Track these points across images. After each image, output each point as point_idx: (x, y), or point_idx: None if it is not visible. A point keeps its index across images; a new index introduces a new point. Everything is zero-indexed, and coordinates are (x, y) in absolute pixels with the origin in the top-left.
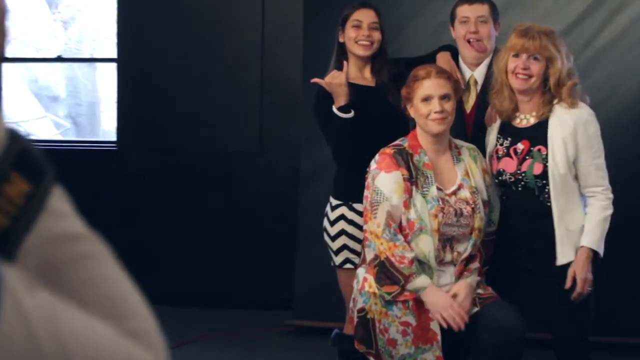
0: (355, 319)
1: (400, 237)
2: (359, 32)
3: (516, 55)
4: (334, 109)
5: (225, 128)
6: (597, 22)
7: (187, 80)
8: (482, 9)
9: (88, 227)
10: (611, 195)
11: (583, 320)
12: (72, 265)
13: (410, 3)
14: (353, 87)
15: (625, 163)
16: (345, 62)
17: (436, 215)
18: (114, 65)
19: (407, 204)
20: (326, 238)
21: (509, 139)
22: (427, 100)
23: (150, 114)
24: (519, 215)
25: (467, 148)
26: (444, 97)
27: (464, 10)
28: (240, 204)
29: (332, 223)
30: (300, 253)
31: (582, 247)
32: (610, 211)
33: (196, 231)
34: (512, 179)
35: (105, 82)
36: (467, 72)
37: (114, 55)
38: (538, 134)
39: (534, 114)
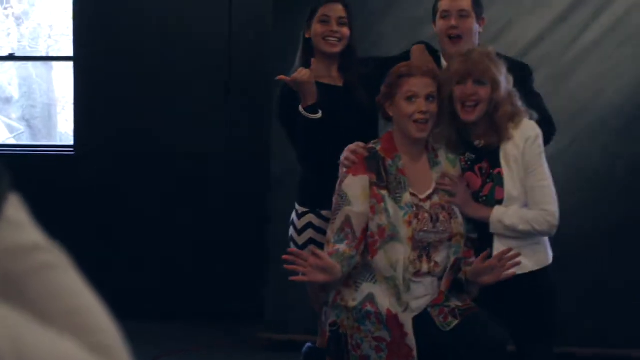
0: (327, 333)
1: (345, 240)
2: (327, 28)
3: (460, 82)
4: (301, 109)
5: (190, 129)
6: (582, 18)
7: (149, 79)
8: (464, 3)
9: (46, 237)
10: (551, 220)
11: (550, 332)
12: (32, 278)
13: None
14: (320, 86)
15: (613, 166)
16: (313, 60)
17: (410, 222)
18: (70, 64)
19: (375, 210)
20: (294, 247)
21: (473, 154)
22: (411, 99)
23: (109, 116)
24: (480, 234)
25: (444, 151)
26: (429, 97)
27: (445, 4)
28: (207, 210)
29: (300, 232)
30: (272, 262)
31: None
32: (540, 228)
33: (160, 240)
34: (474, 199)
35: (61, 82)
36: None
37: (71, 53)
38: (495, 155)
39: (482, 141)
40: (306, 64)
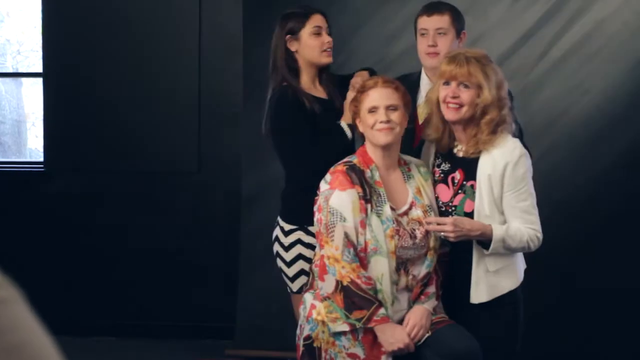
0: (301, 347)
1: (357, 259)
2: (322, 40)
3: (446, 83)
4: (343, 125)
5: (161, 146)
6: (552, 32)
7: (120, 96)
8: (441, 20)
9: None
10: (540, 237)
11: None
12: None
13: (356, 11)
14: (311, 98)
15: (581, 180)
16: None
17: (392, 237)
18: (40, 80)
19: (364, 224)
20: (280, 264)
21: (448, 164)
22: (373, 111)
23: (79, 132)
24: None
25: (415, 164)
26: (390, 107)
27: (423, 22)
28: (178, 228)
29: (287, 248)
30: (243, 279)
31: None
32: (533, 245)
33: (130, 257)
34: (444, 209)
35: (31, 98)
36: (428, 84)
37: (40, 69)
38: (471, 167)
39: (463, 148)
40: (293, 77)
